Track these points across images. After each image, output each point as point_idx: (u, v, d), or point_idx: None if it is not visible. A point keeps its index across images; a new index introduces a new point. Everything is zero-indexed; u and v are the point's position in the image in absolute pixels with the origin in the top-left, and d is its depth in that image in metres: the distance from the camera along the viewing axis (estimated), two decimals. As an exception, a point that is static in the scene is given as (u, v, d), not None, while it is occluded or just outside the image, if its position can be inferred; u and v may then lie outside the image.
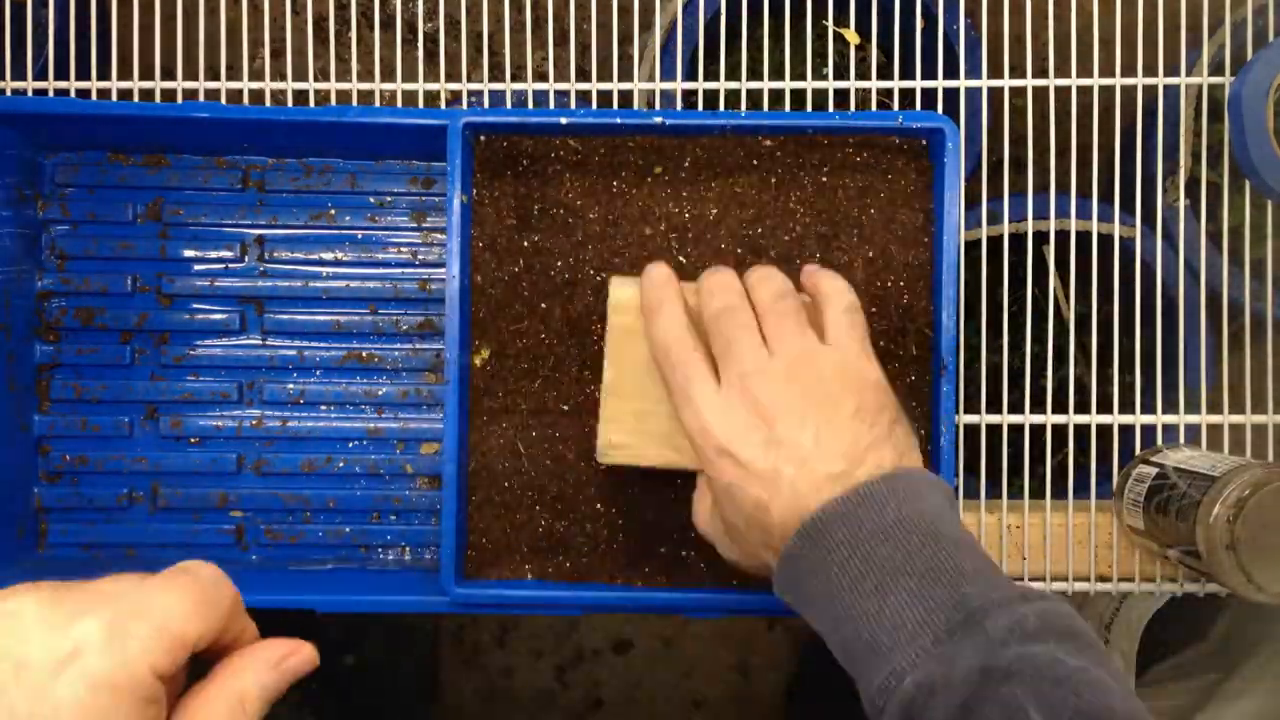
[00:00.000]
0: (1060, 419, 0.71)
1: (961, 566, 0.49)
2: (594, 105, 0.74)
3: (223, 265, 0.73)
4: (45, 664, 0.33)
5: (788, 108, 0.74)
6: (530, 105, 0.73)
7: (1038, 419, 0.71)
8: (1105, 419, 0.71)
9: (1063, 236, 0.79)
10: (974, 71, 0.88)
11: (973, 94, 0.84)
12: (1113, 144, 0.91)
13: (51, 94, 0.73)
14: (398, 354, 0.74)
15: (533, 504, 0.67)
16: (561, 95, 0.74)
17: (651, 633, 1.21)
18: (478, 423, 0.67)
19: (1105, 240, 0.82)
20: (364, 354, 0.74)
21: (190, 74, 0.75)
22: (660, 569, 0.67)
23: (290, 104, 0.73)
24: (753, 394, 0.54)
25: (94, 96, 0.73)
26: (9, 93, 0.73)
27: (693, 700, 1.21)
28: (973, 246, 0.90)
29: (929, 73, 0.78)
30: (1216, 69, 0.74)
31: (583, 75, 1.10)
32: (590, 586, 0.66)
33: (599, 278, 0.67)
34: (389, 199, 0.74)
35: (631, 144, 0.67)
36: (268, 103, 0.73)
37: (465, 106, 0.74)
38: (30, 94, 0.73)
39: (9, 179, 0.70)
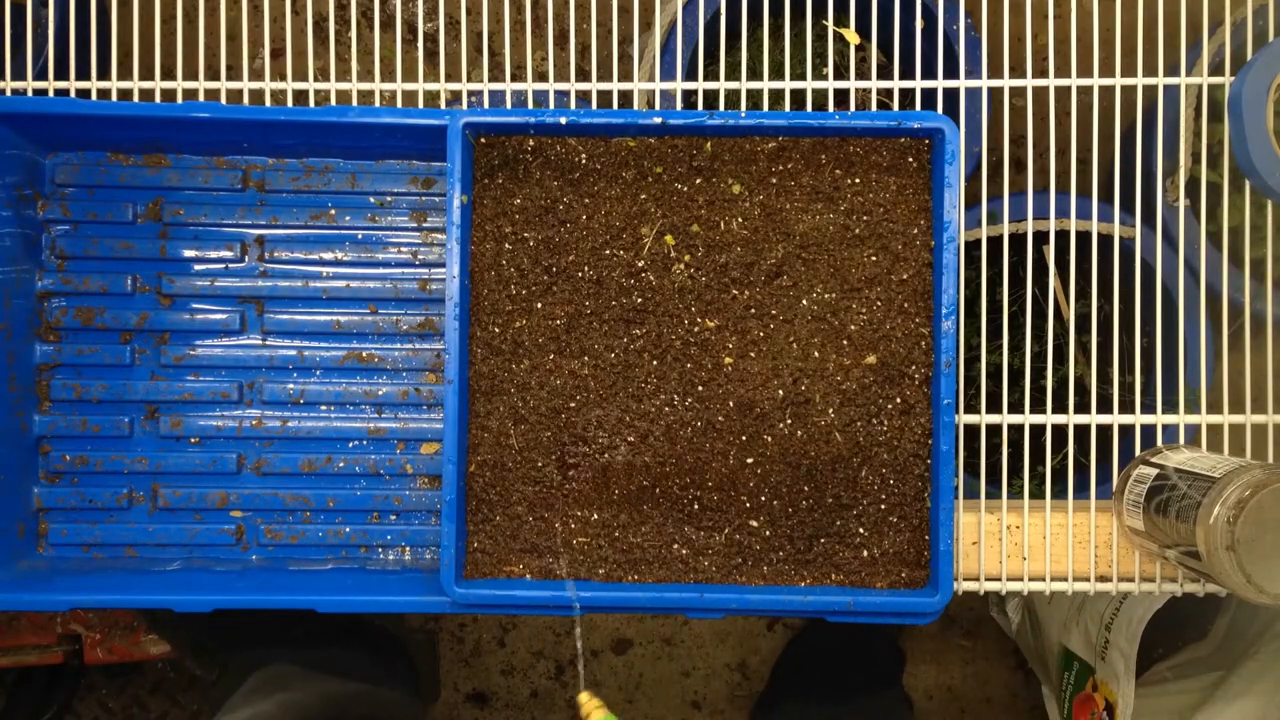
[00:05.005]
0: (1060, 419, 0.71)
1: None
2: (594, 105, 0.74)
3: (223, 265, 0.73)
4: None
5: (788, 108, 0.74)
6: (530, 105, 0.73)
7: (1038, 419, 0.71)
8: (1105, 419, 0.71)
9: (1063, 236, 0.79)
10: (974, 71, 0.88)
11: (973, 94, 0.84)
12: (1113, 144, 0.91)
13: (51, 94, 0.73)
14: (398, 354, 0.74)
15: (532, 504, 0.67)
16: (561, 95, 0.74)
17: (651, 633, 1.21)
18: (477, 423, 0.67)
19: (1105, 240, 0.82)
20: (364, 354, 0.74)
21: (190, 74, 0.75)
22: (660, 568, 0.67)
23: (290, 104, 0.73)
24: None
25: (94, 96, 0.73)
26: (9, 93, 0.73)
27: (692, 700, 1.21)
28: (973, 246, 0.90)
29: (929, 73, 0.78)
30: (1216, 69, 0.74)
31: (583, 75, 1.10)
32: (590, 586, 0.66)
33: (599, 279, 0.67)
34: (389, 199, 0.74)
35: (631, 144, 0.67)
36: (268, 103, 0.73)
37: (465, 106, 0.74)
38: (30, 94, 0.73)
39: (9, 179, 0.70)
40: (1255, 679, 0.87)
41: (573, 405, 0.67)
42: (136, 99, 0.73)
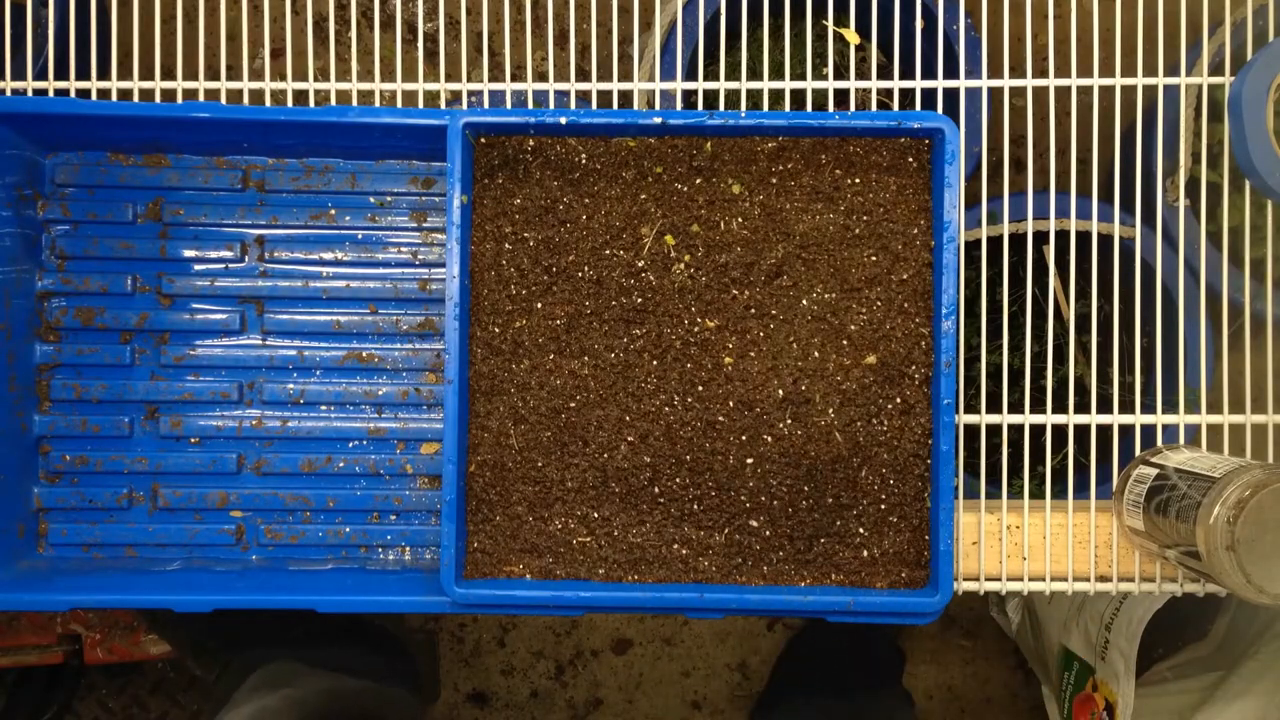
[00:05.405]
0: (1060, 419, 0.71)
1: None
2: (594, 105, 0.74)
3: (223, 265, 0.73)
4: None
5: (788, 108, 0.74)
6: (530, 105, 0.73)
7: (1038, 419, 0.71)
8: (1105, 419, 0.71)
9: (1063, 236, 0.79)
10: (974, 71, 0.88)
11: (973, 94, 0.85)
12: (1113, 144, 0.91)
13: (51, 94, 0.73)
14: (398, 354, 0.74)
15: (532, 504, 0.67)
16: (561, 95, 0.74)
17: (651, 633, 1.21)
18: (477, 423, 0.67)
19: (1105, 240, 0.82)
20: (364, 354, 0.74)
21: (190, 74, 0.75)
22: (660, 568, 0.67)
23: (290, 104, 0.73)
24: None
25: (94, 96, 0.73)
26: (9, 93, 0.73)
27: (693, 700, 1.21)
28: (973, 246, 0.90)
29: (929, 73, 0.78)
30: (1216, 69, 0.74)
31: (583, 75, 1.10)
32: (590, 586, 0.66)
33: (599, 279, 0.67)
34: (389, 199, 0.74)
35: (631, 144, 0.67)
36: (268, 103, 0.73)
37: (465, 106, 0.74)
38: (30, 94, 0.73)
39: (9, 179, 0.70)
40: (1255, 679, 0.87)
41: (573, 405, 0.67)
42: (136, 99, 0.73)
